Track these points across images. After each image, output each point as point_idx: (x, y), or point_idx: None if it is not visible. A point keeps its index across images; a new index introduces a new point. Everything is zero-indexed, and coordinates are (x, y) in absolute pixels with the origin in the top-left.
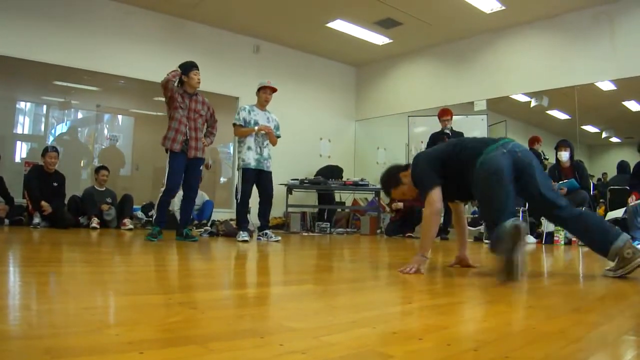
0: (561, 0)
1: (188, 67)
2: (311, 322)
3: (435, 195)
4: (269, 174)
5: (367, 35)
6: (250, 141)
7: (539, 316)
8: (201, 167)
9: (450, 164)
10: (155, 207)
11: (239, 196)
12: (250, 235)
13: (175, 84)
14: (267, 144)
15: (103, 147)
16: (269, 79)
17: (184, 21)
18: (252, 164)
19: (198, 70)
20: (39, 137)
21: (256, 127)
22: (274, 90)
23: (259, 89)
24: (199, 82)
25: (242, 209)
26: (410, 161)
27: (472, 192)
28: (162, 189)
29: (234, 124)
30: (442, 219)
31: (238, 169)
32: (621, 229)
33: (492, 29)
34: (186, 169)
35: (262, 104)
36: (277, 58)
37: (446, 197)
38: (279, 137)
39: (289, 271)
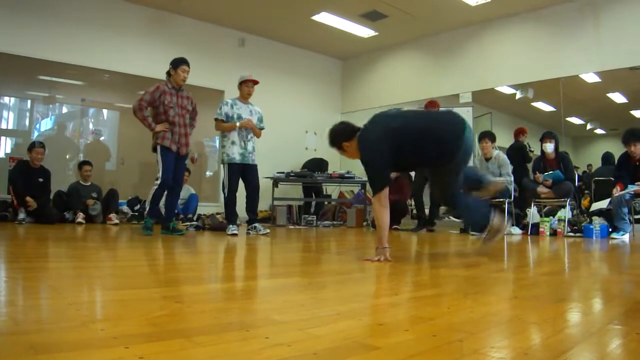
0: None
1: (177, 62)
2: (297, 314)
3: (385, 188)
4: (254, 167)
5: (352, 28)
6: (234, 135)
7: (524, 307)
8: (186, 161)
9: (404, 147)
10: (149, 200)
11: (225, 190)
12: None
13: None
14: (252, 137)
15: (88, 142)
16: (249, 72)
17: (169, 14)
18: (237, 158)
19: (188, 67)
20: (23, 132)
21: (238, 123)
22: (255, 82)
23: (241, 83)
24: (184, 80)
25: (230, 203)
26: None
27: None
28: (157, 182)
29: (216, 119)
30: (427, 210)
31: (223, 164)
32: (606, 219)
33: (477, 21)
34: (174, 165)
35: (244, 97)
36: (262, 51)
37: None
38: (262, 129)
39: (275, 264)
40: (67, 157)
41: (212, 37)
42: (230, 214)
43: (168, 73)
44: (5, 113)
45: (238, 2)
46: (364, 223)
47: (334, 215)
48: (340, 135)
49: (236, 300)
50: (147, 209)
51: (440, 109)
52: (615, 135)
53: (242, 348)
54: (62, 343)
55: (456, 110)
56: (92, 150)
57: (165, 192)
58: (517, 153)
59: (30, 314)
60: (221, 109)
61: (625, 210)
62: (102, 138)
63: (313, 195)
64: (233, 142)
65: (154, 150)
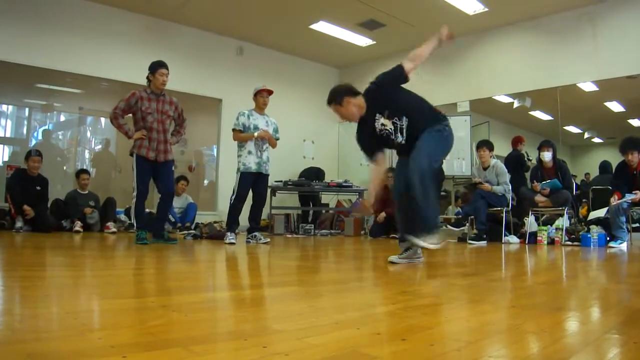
0: (543, 2)
1: (155, 66)
2: (295, 323)
3: None
4: (266, 177)
5: (350, 37)
6: (250, 145)
7: (522, 316)
8: (173, 168)
9: None
10: (133, 214)
11: (233, 197)
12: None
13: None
14: (267, 147)
15: (96, 150)
16: (264, 84)
17: (168, 23)
18: (253, 167)
19: (166, 70)
20: (21, 141)
21: (256, 134)
22: (270, 92)
23: (256, 94)
24: (164, 84)
25: (235, 210)
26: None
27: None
28: (134, 195)
29: (234, 129)
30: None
31: (238, 172)
32: (603, 228)
33: (475, 30)
34: (157, 173)
35: (260, 108)
36: (260, 60)
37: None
38: (277, 139)
39: (272, 273)
40: (65, 165)
41: (211, 46)
42: (232, 222)
43: (148, 78)
44: (2, 121)
45: (236, 11)
46: (362, 232)
47: (331, 224)
48: (345, 91)
49: (234, 309)
50: (135, 223)
51: None
52: (613, 144)
53: (239, 357)
54: (60, 352)
55: (454, 119)
56: (101, 158)
57: (159, 201)
58: (514, 162)
59: (27, 322)
60: (238, 119)
61: (623, 219)
62: (110, 147)
63: (311, 204)
64: (250, 152)
65: (131, 154)
